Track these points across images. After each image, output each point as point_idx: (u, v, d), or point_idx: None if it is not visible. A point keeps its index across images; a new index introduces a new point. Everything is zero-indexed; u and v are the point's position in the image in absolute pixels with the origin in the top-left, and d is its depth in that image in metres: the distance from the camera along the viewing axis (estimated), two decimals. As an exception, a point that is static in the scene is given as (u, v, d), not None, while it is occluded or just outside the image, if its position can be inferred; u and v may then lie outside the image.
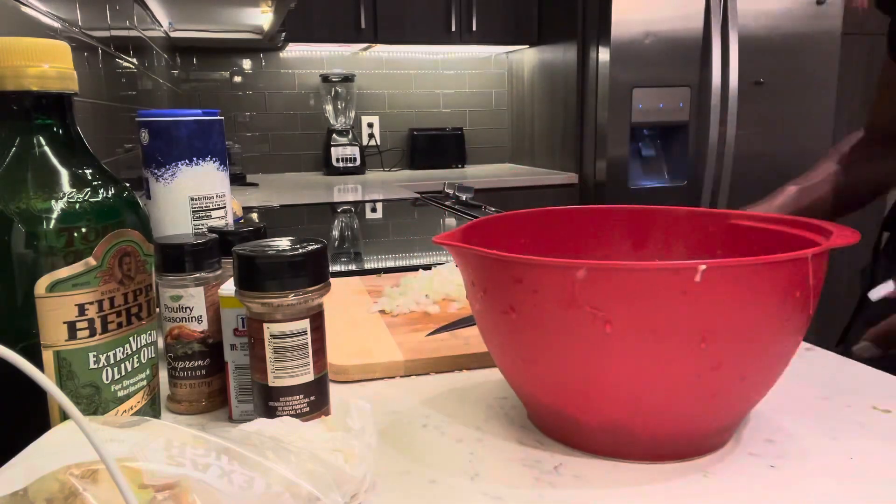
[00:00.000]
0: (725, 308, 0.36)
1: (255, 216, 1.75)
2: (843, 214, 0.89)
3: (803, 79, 2.52)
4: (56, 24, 0.92)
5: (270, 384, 0.42)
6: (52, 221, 0.36)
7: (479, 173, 2.88)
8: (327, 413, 0.44)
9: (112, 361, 0.39)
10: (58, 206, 0.37)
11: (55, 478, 0.27)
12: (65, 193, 0.37)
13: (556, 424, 0.44)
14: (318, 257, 0.42)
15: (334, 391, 0.46)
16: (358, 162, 2.94)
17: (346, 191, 2.36)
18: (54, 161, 0.38)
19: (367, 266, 1.10)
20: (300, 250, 0.41)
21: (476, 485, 0.40)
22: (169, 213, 0.61)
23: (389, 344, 0.60)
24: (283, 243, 0.43)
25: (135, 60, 1.62)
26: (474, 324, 0.70)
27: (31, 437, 0.31)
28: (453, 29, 2.73)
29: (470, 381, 0.55)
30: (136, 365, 0.41)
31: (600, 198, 2.49)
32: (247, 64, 2.95)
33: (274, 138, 3.02)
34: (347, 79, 2.92)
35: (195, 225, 0.62)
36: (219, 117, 0.63)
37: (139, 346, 0.41)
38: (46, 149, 0.38)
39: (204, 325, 0.49)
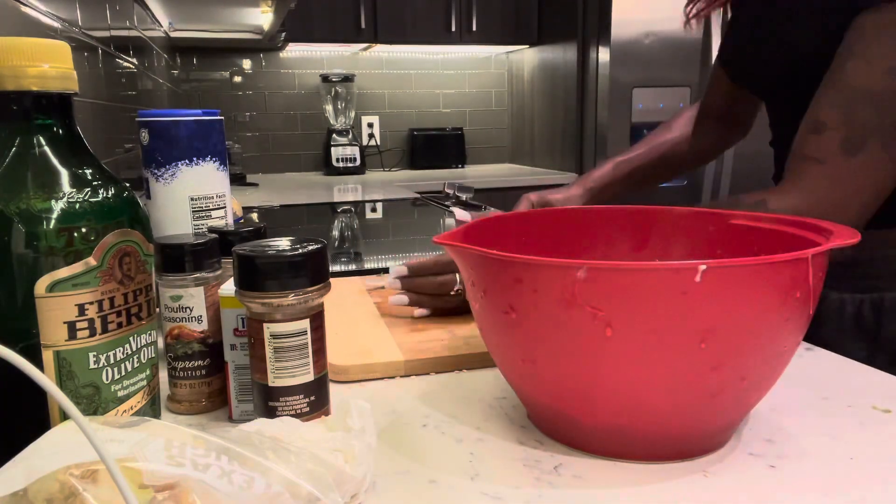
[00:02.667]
0: (725, 308, 0.36)
1: (255, 216, 1.75)
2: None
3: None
4: (56, 24, 0.92)
5: (270, 384, 0.42)
6: (52, 221, 0.36)
7: (479, 173, 2.88)
8: (327, 413, 0.44)
9: (112, 361, 0.39)
10: (58, 206, 0.37)
11: (55, 478, 0.27)
12: (65, 193, 0.37)
13: (556, 424, 0.44)
14: (318, 257, 0.42)
15: (334, 391, 0.46)
16: (358, 162, 2.94)
17: (346, 191, 2.36)
18: (54, 161, 0.38)
19: (367, 266, 1.10)
20: (300, 250, 0.41)
21: (476, 485, 0.40)
22: (169, 213, 0.61)
23: (389, 344, 0.60)
24: (283, 243, 0.43)
25: (135, 60, 1.62)
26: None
27: (31, 437, 0.31)
28: (453, 29, 2.73)
29: (470, 381, 0.55)
30: (136, 365, 0.41)
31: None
32: (247, 64, 2.94)
33: (274, 138, 3.02)
34: (347, 79, 2.92)
35: (195, 225, 0.62)
36: (219, 117, 0.63)
37: (139, 346, 0.41)
38: (46, 149, 0.38)
39: (204, 325, 0.49)
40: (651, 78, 2.39)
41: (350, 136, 2.95)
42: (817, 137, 0.65)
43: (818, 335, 0.76)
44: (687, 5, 0.90)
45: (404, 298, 0.67)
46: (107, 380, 0.39)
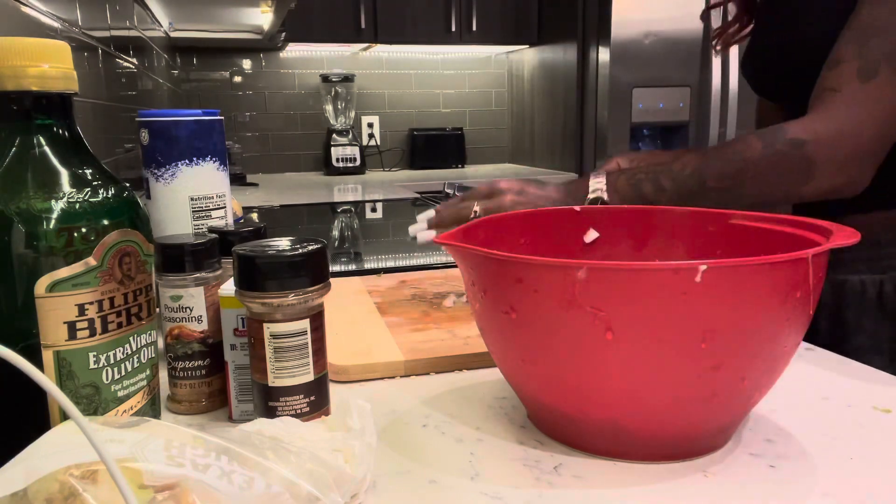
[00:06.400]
0: (726, 308, 0.36)
1: (255, 216, 1.75)
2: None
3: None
4: (56, 24, 0.92)
5: (270, 384, 0.42)
6: (52, 221, 0.36)
7: (479, 173, 2.88)
8: (327, 413, 0.44)
9: (112, 361, 0.39)
10: (58, 206, 0.37)
11: (55, 478, 0.27)
12: (65, 193, 0.37)
13: (556, 424, 0.44)
14: (318, 257, 0.42)
15: (334, 391, 0.46)
16: (358, 162, 2.94)
17: (346, 191, 2.36)
18: (54, 161, 0.38)
19: (367, 266, 1.10)
20: (300, 250, 0.41)
21: (476, 485, 0.40)
22: (169, 213, 0.61)
23: (389, 344, 0.60)
24: (283, 243, 0.43)
25: (135, 60, 1.62)
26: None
27: (31, 437, 0.31)
28: (453, 29, 2.73)
29: (470, 381, 0.55)
30: (136, 365, 0.41)
31: (600, 198, 2.48)
32: (247, 64, 2.94)
33: (274, 138, 3.02)
34: (347, 79, 2.92)
35: (195, 225, 0.62)
36: (219, 117, 0.63)
37: (139, 346, 0.41)
38: (46, 149, 0.38)
39: (204, 325, 0.49)
40: (651, 78, 2.39)
41: (350, 136, 2.95)
42: (834, 71, 0.69)
43: (842, 319, 0.77)
44: (712, 39, 0.97)
45: (431, 234, 0.74)
46: (107, 380, 0.39)
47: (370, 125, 3.12)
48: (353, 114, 2.99)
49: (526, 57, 3.01)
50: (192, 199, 0.62)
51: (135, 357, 0.41)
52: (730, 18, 0.96)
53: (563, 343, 0.39)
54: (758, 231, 0.51)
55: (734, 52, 2.37)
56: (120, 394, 0.40)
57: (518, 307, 0.40)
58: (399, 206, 1.95)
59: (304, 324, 0.42)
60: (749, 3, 0.92)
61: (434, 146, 3.12)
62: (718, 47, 0.97)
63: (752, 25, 0.91)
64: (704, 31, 2.38)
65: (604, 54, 2.39)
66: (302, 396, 0.42)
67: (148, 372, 0.42)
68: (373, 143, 3.12)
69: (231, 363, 0.47)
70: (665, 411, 0.39)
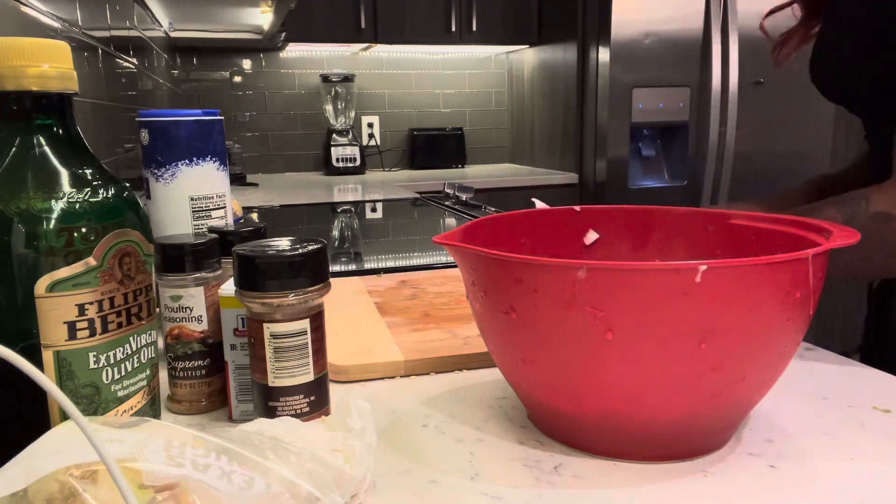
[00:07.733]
0: (726, 308, 0.36)
1: (255, 216, 1.75)
2: None
3: (803, 79, 2.52)
4: (56, 24, 0.92)
5: (270, 384, 0.42)
6: (52, 221, 0.36)
7: (479, 173, 2.88)
8: (327, 413, 0.44)
9: (112, 361, 0.39)
10: (58, 206, 0.37)
11: (55, 478, 0.27)
12: (65, 193, 0.37)
13: (556, 424, 0.44)
14: (318, 257, 0.42)
15: (334, 391, 0.46)
16: (358, 162, 2.94)
17: (346, 191, 2.36)
18: (54, 161, 0.38)
19: (367, 266, 1.10)
20: (300, 250, 0.41)
21: (476, 485, 0.40)
22: (169, 213, 0.61)
23: (389, 344, 0.60)
24: (283, 243, 0.43)
25: (135, 60, 1.62)
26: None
27: (31, 437, 0.31)
28: (453, 29, 2.73)
29: (470, 381, 0.55)
30: (136, 365, 0.41)
31: (600, 198, 2.49)
32: (247, 64, 2.94)
33: (274, 138, 3.02)
34: (347, 79, 2.92)
35: (195, 225, 0.62)
36: (219, 117, 0.63)
37: (139, 346, 0.41)
38: (46, 149, 0.38)
39: (204, 325, 0.49)
40: (651, 78, 2.39)
41: (350, 136, 2.95)
42: None
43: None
44: (775, 49, 0.87)
45: None
46: (107, 380, 0.39)
47: (370, 125, 3.12)
48: (353, 114, 2.99)
49: (526, 57, 3.01)
50: (192, 199, 0.62)
51: (135, 357, 0.41)
52: (795, 22, 0.84)
53: (563, 343, 0.39)
54: (758, 231, 0.51)
55: (734, 48, 2.37)
56: (120, 394, 0.40)
57: (518, 307, 0.40)
58: (399, 206, 1.95)
59: (304, 324, 0.42)
60: (817, 2, 0.80)
61: (434, 146, 3.12)
62: (780, 57, 0.84)
63: (818, 27, 0.80)
64: (704, 31, 2.38)
65: (604, 54, 2.39)
66: (302, 396, 0.42)
67: (148, 372, 0.42)
68: (373, 143, 3.12)
69: (231, 363, 0.47)
70: (665, 411, 0.39)
